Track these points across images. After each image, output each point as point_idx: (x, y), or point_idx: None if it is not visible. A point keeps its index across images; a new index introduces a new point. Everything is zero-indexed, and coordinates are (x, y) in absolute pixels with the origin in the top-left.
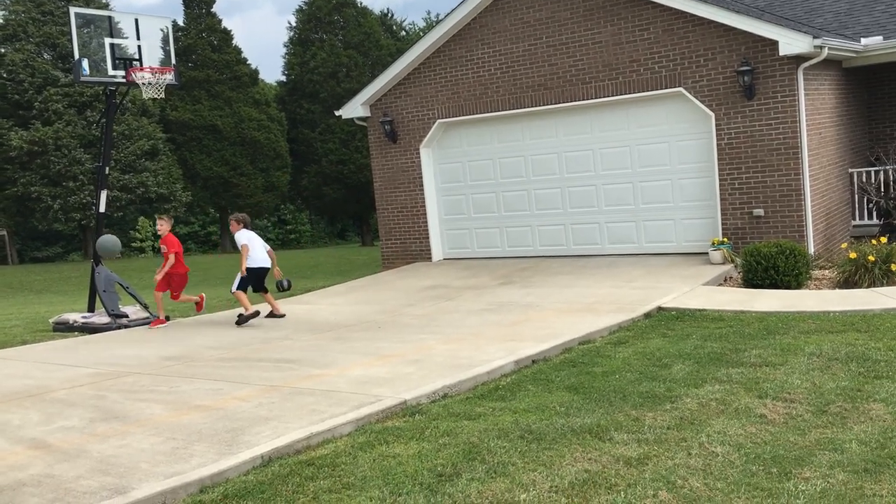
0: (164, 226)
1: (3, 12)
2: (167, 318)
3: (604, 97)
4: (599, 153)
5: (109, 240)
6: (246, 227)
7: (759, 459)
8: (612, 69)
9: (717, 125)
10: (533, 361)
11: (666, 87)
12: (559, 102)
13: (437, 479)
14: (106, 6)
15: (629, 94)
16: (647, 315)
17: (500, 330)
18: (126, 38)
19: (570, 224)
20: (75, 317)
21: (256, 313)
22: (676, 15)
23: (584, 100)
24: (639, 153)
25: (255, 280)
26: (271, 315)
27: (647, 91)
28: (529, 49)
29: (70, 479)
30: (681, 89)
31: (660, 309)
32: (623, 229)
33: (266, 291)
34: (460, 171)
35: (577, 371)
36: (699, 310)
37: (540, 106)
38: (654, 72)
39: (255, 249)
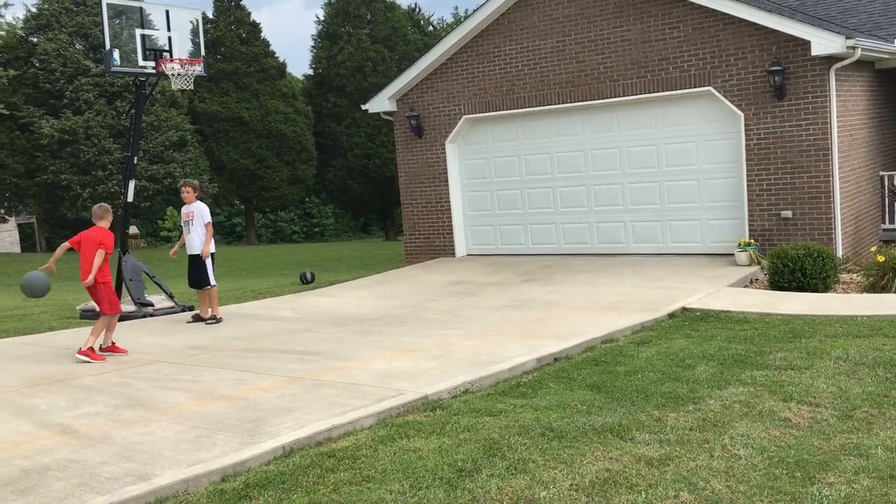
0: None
1: (37, 2)
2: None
3: (632, 95)
4: (626, 151)
5: (36, 281)
6: (201, 198)
7: (782, 463)
8: (641, 67)
9: (746, 125)
10: (555, 359)
11: (695, 87)
12: (586, 100)
13: (457, 474)
14: None
15: (657, 92)
16: (671, 315)
17: (522, 327)
18: (157, 29)
19: (594, 222)
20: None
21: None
22: (707, 13)
23: (611, 97)
24: (666, 152)
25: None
26: (199, 318)
27: (676, 90)
28: (557, 46)
29: (95, 465)
30: (710, 88)
31: (684, 309)
32: (648, 228)
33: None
34: (485, 168)
35: (600, 370)
36: (724, 311)
37: (567, 103)
38: (684, 70)
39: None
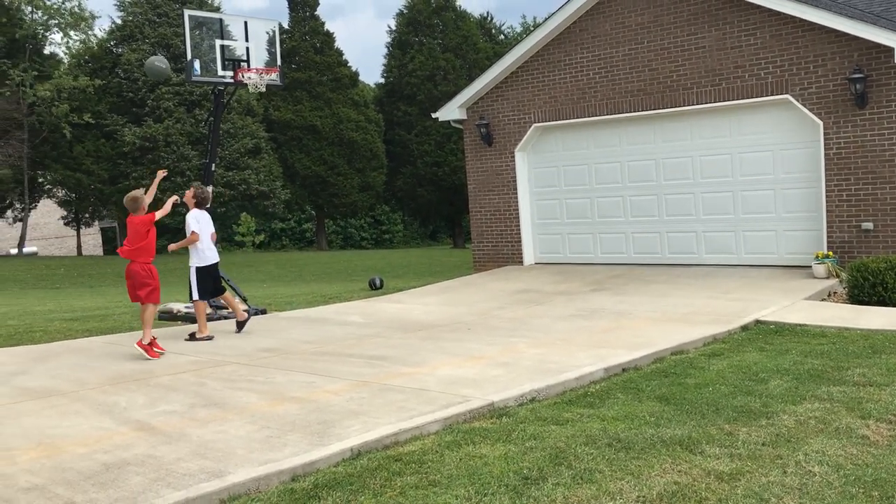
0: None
1: (122, 14)
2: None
3: (706, 103)
4: (699, 160)
5: (157, 64)
6: (200, 205)
7: (859, 482)
8: (716, 75)
9: (825, 134)
10: (623, 370)
11: (772, 94)
12: (659, 108)
13: (522, 481)
14: (217, 9)
15: (732, 100)
16: (745, 328)
17: (590, 336)
18: (235, 39)
19: (665, 232)
20: (179, 306)
21: (210, 337)
22: (785, 20)
23: (684, 106)
24: (741, 161)
25: (210, 280)
26: (237, 322)
27: (752, 98)
28: (630, 53)
29: (171, 461)
30: (787, 96)
31: (758, 322)
32: (721, 239)
33: (224, 292)
34: (555, 176)
35: (669, 381)
36: (800, 325)
37: (639, 111)
38: (760, 78)
39: (204, 239)
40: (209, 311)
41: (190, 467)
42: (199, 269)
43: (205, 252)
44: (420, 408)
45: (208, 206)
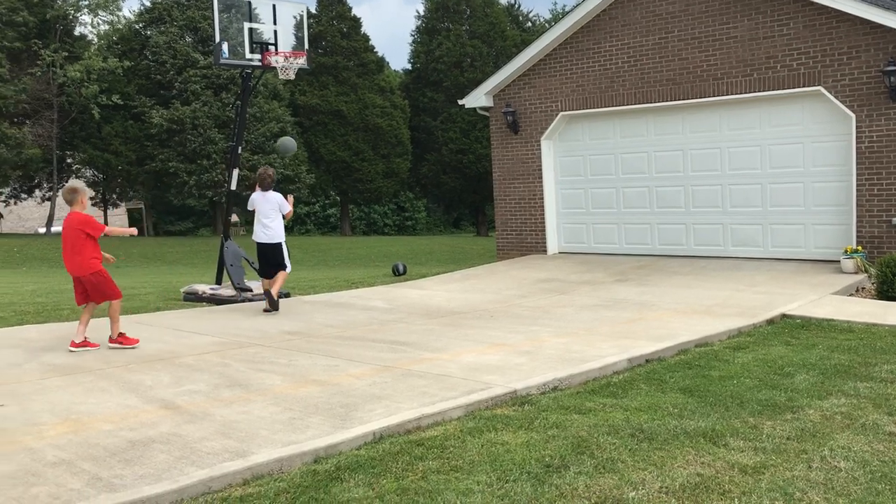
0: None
1: None
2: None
3: (736, 94)
4: (727, 152)
5: (289, 142)
6: (263, 186)
7: (885, 478)
8: (747, 65)
9: (857, 127)
10: (647, 360)
11: (804, 86)
12: (688, 98)
13: (544, 469)
14: None
15: (763, 91)
16: (770, 321)
17: (613, 327)
18: (263, 23)
19: (691, 223)
20: (204, 288)
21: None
22: (819, 10)
23: (714, 96)
24: (770, 153)
25: (261, 258)
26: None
27: (784, 89)
28: (659, 43)
29: (195, 440)
30: (820, 88)
31: (784, 316)
32: (748, 232)
33: (272, 276)
34: (580, 165)
35: (693, 373)
36: (827, 319)
37: (667, 101)
38: (792, 69)
39: (257, 219)
40: (232, 292)
41: (214, 446)
42: (256, 245)
43: (255, 230)
44: (442, 393)
45: (268, 187)
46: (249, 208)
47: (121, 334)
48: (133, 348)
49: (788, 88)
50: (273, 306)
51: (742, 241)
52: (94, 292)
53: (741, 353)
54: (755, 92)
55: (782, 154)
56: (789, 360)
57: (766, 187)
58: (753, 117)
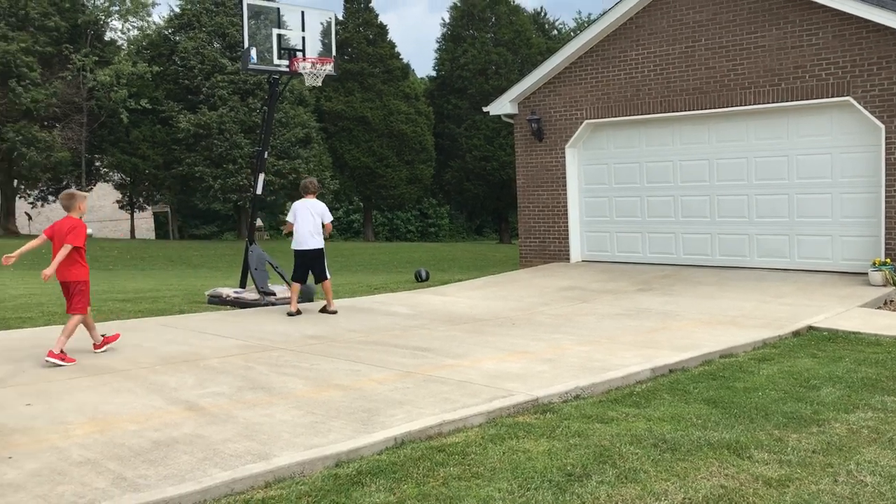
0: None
1: (180, 2)
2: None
3: (763, 104)
4: (754, 162)
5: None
6: (307, 193)
7: None
8: (774, 75)
9: (887, 138)
10: (670, 370)
11: (832, 96)
12: (714, 107)
13: (566, 477)
14: None
15: (791, 101)
16: (796, 333)
17: (636, 336)
18: (291, 29)
19: (716, 233)
20: (228, 291)
21: (296, 312)
22: (849, 20)
23: (741, 106)
24: (797, 164)
25: (299, 264)
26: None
27: (812, 99)
28: (686, 51)
29: (218, 441)
30: (849, 98)
31: (810, 328)
32: (774, 242)
33: (303, 282)
34: (605, 173)
35: (717, 384)
36: (854, 332)
37: (693, 110)
38: (821, 79)
39: (296, 227)
40: (255, 296)
41: (237, 448)
42: (294, 252)
43: (296, 238)
44: (464, 400)
45: (309, 194)
46: (290, 219)
47: (62, 351)
48: (69, 365)
49: (817, 98)
50: (333, 312)
51: (768, 252)
52: (71, 300)
53: (766, 364)
54: (783, 102)
55: (810, 164)
56: (815, 373)
57: (793, 198)
58: (781, 127)
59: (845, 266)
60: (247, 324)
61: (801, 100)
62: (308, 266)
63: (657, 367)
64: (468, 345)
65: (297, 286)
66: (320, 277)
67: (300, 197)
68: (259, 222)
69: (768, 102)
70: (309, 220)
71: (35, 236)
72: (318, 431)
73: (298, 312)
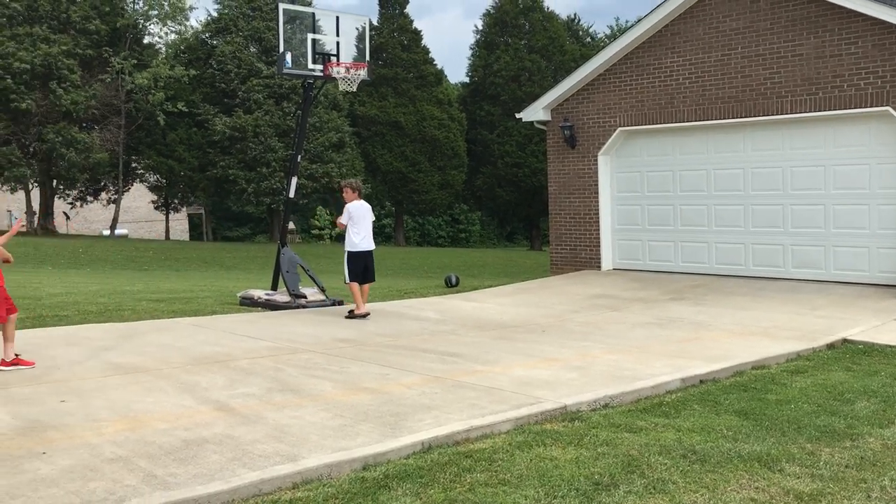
0: (349, 194)
1: (218, 7)
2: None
3: (800, 113)
4: (790, 171)
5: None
6: (360, 195)
7: None
8: (812, 84)
9: None
10: (701, 381)
11: (871, 106)
12: (750, 116)
13: (593, 486)
14: (309, 3)
15: (829, 110)
16: (831, 346)
17: (667, 346)
18: (326, 34)
19: (750, 243)
20: (259, 293)
21: (365, 315)
22: (889, 29)
23: (777, 114)
24: (834, 174)
25: (360, 265)
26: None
27: (850, 109)
28: (722, 59)
29: (247, 442)
30: (888, 108)
31: (845, 341)
32: (810, 253)
33: (371, 280)
34: (637, 181)
35: (749, 396)
36: (890, 346)
37: (728, 119)
38: (860, 89)
39: (354, 228)
40: (287, 298)
41: (265, 449)
42: (348, 254)
43: (352, 239)
44: (492, 406)
45: (361, 196)
46: (345, 220)
47: (17, 356)
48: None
49: (855, 108)
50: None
51: (803, 263)
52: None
53: (799, 377)
54: (820, 111)
55: (847, 175)
56: (850, 387)
57: (829, 208)
58: (818, 137)
59: (882, 279)
60: (277, 326)
61: (839, 109)
62: (366, 266)
63: (687, 377)
64: (497, 351)
65: (358, 286)
66: (373, 278)
67: (350, 198)
68: (291, 225)
69: (805, 112)
70: (370, 221)
71: (73, 235)
72: (347, 434)
73: (368, 315)
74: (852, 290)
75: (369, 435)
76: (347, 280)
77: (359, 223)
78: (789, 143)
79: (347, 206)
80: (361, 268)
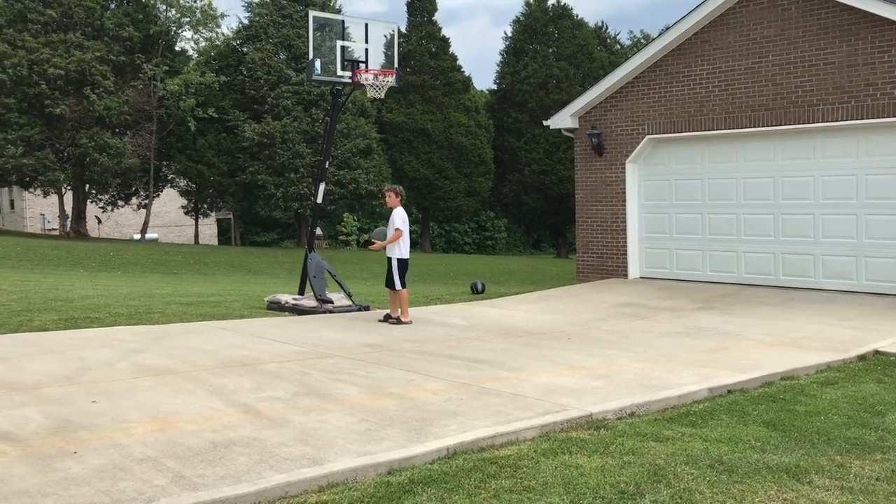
0: (392, 199)
1: (249, 14)
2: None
3: (832, 121)
4: (821, 180)
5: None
6: (403, 201)
7: None
8: (844, 92)
9: None
10: (728, 391)
11: None
12: (781, 124)
13: (619, 495)
14: (338, 11)
15: (861, 119)
16: (862, 357)
17: (694, 355)
18: (354, 41)
19: (780, 253)
20: (287, 298)
21: (409, 322)
22: None
23: (809, 123)
24: (866, 183)
25: (407, 270)
26: (388, 318)
27: (883, 118)
28: (752, 67)
29: (274, 445)
30: None
31: (877, 352)
32: (841, 263)
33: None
34: (665, 189)
35: (777, 407)
36: None
37: (759, 127)
38: (893, 97)
39: (406, 234)
40: (313, 303)
41: (292, 452)
42: (399, 261)
43: (400, 246)
44: (517, 413)
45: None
46: (402, 226)
47: None
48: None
49: (888, 117)
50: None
51: (834, 273)
52: None
53: (829, 388)
54: (852, 120)
55: (880, 184)
56: (881, 399)
57: (861, 218)
58: (850, 146)
59: None
60: (304, 330)
61: (872, 118)
62: (408, 270)
63: (715, 387)
64: (523, 358)
65: (404, 293)
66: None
67: (393, 203)
68: (318, 231)
69: (837, 120)
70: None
71: (105, 239)
72: (372, 439)
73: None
74: (885, 301)
75: (394, 440)
76: (399, 286)
77: (405, 229)
78: (821, 151)
79: (396, 211)
80: (406, 273)
